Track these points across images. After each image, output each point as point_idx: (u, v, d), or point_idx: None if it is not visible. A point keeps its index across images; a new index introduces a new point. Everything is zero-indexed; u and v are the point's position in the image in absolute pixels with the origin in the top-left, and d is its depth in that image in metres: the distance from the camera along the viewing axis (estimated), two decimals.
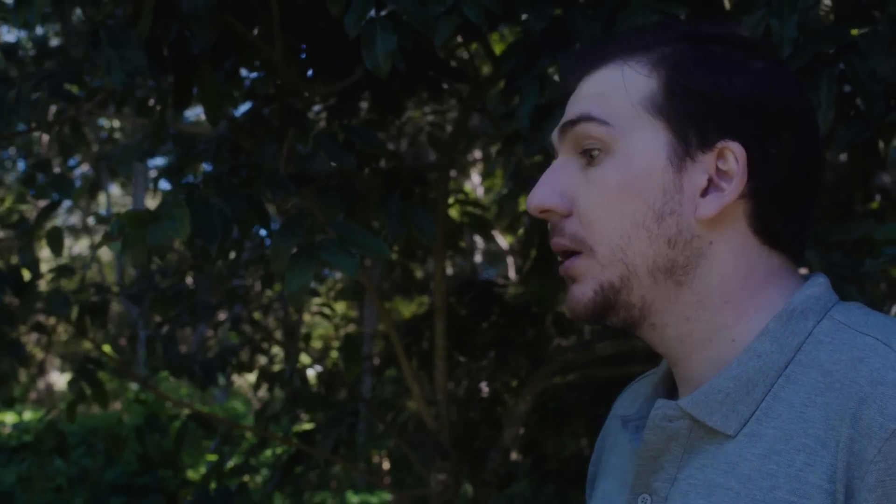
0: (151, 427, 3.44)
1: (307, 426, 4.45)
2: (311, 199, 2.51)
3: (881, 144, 2.30)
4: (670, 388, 1.27)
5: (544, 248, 3.89)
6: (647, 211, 1.12)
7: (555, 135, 1.23)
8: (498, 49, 5.36)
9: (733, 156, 1.12)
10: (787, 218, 1.17)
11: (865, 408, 1.00)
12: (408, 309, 10.22)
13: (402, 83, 2.85)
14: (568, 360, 3.64)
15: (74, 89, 2.73)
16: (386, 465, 9.87)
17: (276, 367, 4.91)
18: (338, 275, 7.21)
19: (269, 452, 6.24)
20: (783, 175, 1.15)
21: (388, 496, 11.42)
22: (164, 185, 3.91)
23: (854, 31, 2.16)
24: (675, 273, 1.13)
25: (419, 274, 7.06)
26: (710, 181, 1.13)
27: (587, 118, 1.16)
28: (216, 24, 2.23)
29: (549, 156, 4.13)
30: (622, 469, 1.27)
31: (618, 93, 1.16)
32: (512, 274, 8.73)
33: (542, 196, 1.18)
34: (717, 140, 1.13)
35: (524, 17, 2.33)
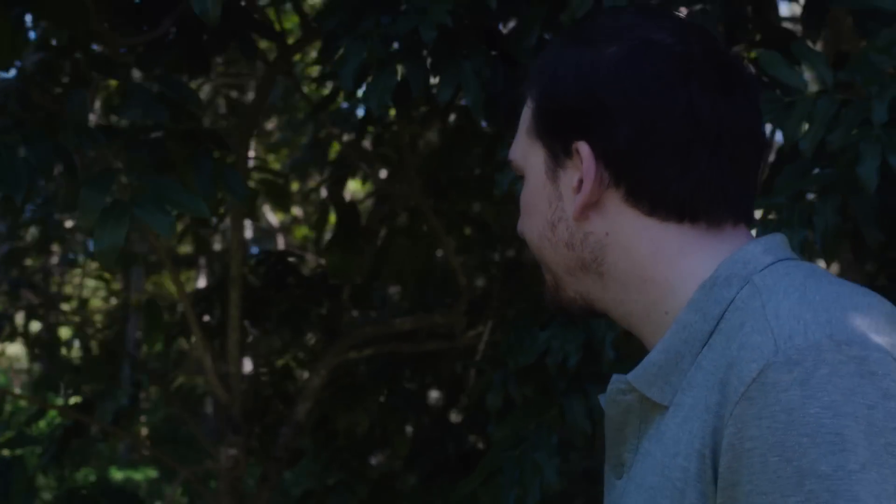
0: None
1: (74, 399, 4.26)
2: (119, 152, 2.37)
3: None
4: None
5: (345, 220, 3.83)
6: (543, 223, 1.24)
7: None
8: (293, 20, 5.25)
9: (578, 154, 1.18)
10: (673, 188, 1.16)
11: (731, 372, 1.03)
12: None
13: (212, 39, 2.72)
14: (364, 335, 3.59)
15: None
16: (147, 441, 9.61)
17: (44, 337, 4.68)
18: None
19: (42, 424, 5.97)
20: (638, 151, 1.16)
21: (152, 473, 11.12)
22: None
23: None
24: (590, 268, 1.22)
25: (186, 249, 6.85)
26: (580, 182, 1.19)
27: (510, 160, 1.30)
28: None
29: (360, 124, 4.03)
30: None
31: (520, 127, 1.27)
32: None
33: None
34: (572, 143, 1.19)
35: None
